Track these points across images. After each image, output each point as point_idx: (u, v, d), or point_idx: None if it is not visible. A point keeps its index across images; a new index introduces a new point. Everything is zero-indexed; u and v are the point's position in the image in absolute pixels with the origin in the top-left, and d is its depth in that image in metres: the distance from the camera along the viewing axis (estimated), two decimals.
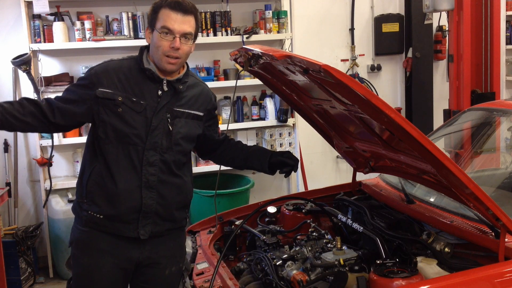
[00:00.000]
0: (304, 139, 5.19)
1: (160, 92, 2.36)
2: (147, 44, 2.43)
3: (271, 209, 3.03)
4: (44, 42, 4.51)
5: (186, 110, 2.43)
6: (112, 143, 2.33)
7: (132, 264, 2.43)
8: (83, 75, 2.46)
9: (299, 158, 4.16)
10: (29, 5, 4.40)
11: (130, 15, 4.64)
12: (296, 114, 4.95)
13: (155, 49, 2.33)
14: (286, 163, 2.63)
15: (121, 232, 2.37)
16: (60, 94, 2.47)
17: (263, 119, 5.09)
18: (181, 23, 2.29)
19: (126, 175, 2.33)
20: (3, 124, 2.23)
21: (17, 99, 2.56)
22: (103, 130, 2.34)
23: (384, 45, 5.65)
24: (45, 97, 2.49)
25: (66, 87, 4.37)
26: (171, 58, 2.31)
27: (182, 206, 2.51)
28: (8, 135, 4.70)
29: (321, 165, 5.59)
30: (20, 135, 4.74)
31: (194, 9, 2.35)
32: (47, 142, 4.52)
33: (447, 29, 5.24)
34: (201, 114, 2.49)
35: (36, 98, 2.41)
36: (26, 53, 4.32)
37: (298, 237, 2.76)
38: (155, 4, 2.35)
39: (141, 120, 2.33)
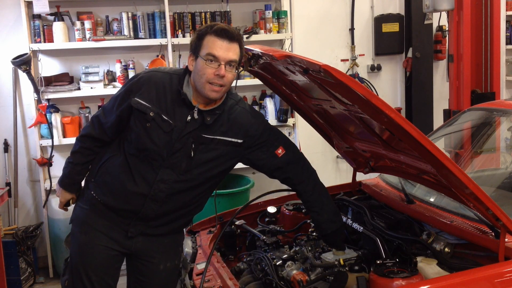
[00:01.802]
0: (304, 139, 5.18)
1: (189, 118, 2.32)
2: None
3: (271, 209, 3.03)
4: (44, 42, 4.50)
5: (217, 137, 2.36)
6: (134, 148, 2.37)
7: (125, 249, 2.47)
8: (130, 77, 2.47)
9: None
10: (29, 5, 4.39)
11: (130, 15, 4.64)
12: (296, 114, 4.94)
13: (198, 76, 2.27)
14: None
15: (114, 222, 2.43)
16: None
17: None
18: (227, 50, 2.24)
19: (137, 181, 2.36)
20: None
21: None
22: (129, 134, 2.38)
23: (384, 45, 5.64)
24: (94, 115, 2.52)
25: (66, 87, 4.49)
26: (215, 85, 2.26)
27: (183, 219, 2.53)
28: (8, 135, 4.70)
29: (321, 165, 5.58)
30: (20, 135, 4.73)
31: (239, 36, 2.30)
32: (47, 142, 4.52)
33: (447, 29, 5.23)
34: (239, 141, 2.39)
35: (88, 133, 2.49)
36: (26, 53, 4.32)
37: (298, 237, 2.77)
38: (200, 31, 2.30)
39: (166, 140, 2.32)
